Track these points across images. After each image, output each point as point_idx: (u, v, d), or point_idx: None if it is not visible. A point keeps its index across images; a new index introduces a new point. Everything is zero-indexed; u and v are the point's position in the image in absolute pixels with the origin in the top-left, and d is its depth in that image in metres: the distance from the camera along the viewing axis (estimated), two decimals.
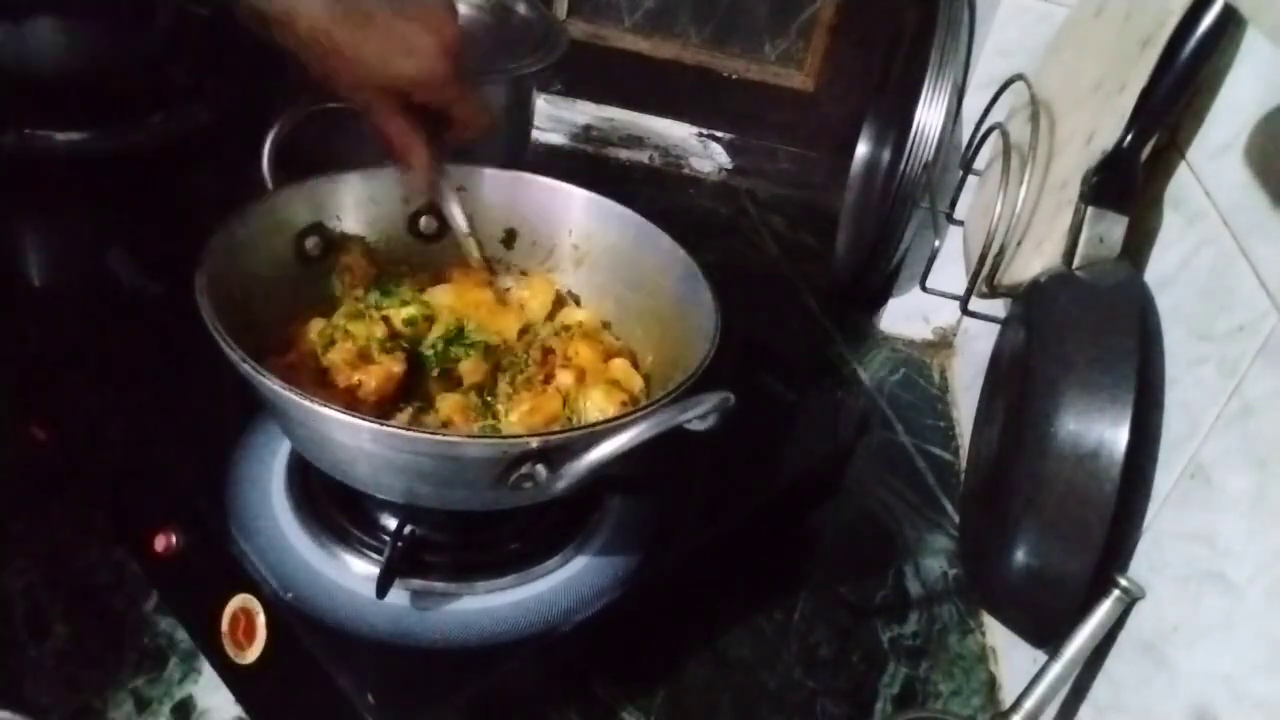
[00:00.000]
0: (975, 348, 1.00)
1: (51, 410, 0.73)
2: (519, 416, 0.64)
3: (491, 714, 0.62)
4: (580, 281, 0.77)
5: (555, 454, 0.55)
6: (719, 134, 1.34)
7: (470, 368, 0.66)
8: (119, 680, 0.63)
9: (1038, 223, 0.69)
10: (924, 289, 0.84)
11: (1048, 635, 0.61)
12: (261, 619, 0.59)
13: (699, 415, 0.54)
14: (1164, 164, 0.67)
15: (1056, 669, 0.58)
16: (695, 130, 1.34)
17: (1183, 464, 0.56)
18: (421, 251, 0.75)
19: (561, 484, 0.55)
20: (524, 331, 0.71)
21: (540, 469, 0.54)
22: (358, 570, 0.62)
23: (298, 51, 0.63)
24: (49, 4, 0.80)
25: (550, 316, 0.73)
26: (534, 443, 0.55)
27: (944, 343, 1.09)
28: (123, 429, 0.69)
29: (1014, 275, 0.70)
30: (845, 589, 0.80)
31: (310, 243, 0.72)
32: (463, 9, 1.00)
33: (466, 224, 0.74)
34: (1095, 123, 0.66)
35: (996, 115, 0.81)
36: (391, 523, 0.63)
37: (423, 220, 0.75)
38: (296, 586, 0.60)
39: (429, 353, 0.67)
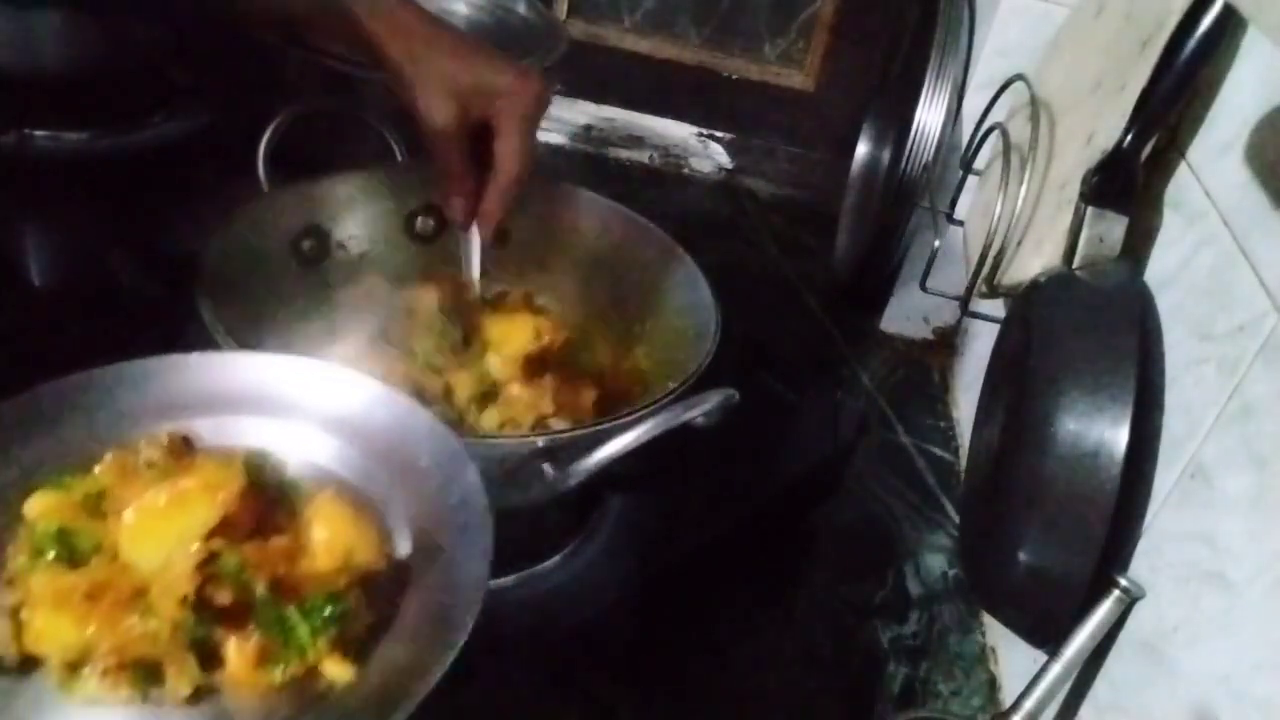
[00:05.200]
0: (975, 348, 1.00)
1: None
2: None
3: (491, 714, 0.62)
4: (578, 281, 0.77)
5: (562, 452, 0.55)
6: (719, 134, 1.34)
7: None
8: None
9: (1038, 223, 0.69)
10: (924, 289, 0.84)
11: (1048, 635, 0.61)
12: None
13: (704, 413, 0.55)
14: (1164, 164, 0.67)
15: (1056, 669, 0.58)
16: (695, 130, 1.34)
17: (1183, 464, 0.56)
18: (418, 252, 0.75)
19: (570, 482, 0.56)
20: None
21: (547, 468, 0.55)
22: None
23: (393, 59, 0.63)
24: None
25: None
26: (541, 441, 0.55)
27: (944, 343, 1.08)
28: None
29: (1014, 275, 0.70)
30: (845, 589, 0.80)
31: (307, 244, 0.72)
32: (462, 9, 1.00)
33: (478, 271, 0.70)
34: (1095, 123, 0.66)
35: (996, 115, 0.81)
36: None
37: (419, 221, 0.75)
38: None
39: None
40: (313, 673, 0.42)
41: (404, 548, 0.46)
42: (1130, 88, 0.63)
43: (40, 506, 0.43)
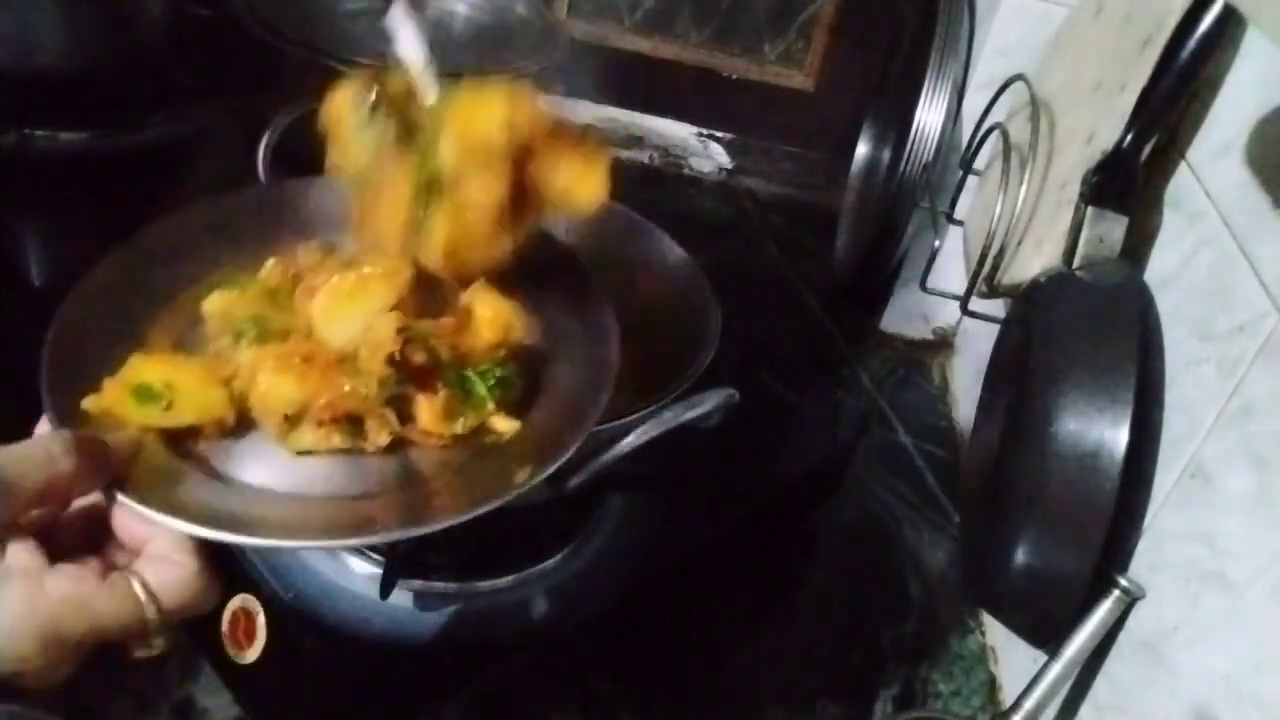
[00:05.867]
0: (975, 348, 1.00)
1: None
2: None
3: (491, 714, 0.62)
4: None
5: None
6: (719, 134, 1.34)
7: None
8: (119, 680, 0.63)
9: (1038, 223, 0.69)
10: (924, 289, 0.84)
11: (1048, 635, 0.61)
12: (261, 619, 0.59)
13: (704, 413, 0.55)
14: (1164, 164, 0.67)
15: (1056, 669, 0.58)
16: (695, 130, 1.34)
17: (1183, 464, 0.56)
18: None
19: (570, 483, 0.56)
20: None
21: None
22: (358, 570, 0.62)
23: None
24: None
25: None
26: None
27: (944, 343, 1.08)
28: None
29: (1014, 275, 0.70)
30: (845, 588, 0.80)
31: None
32: (462, 9, 1.00)
33: (419, 53, 0.53)
34: (1095, 123, 0.66)
35: (996, 115, 0.81)
36: None
37: None
38: (297, 586, 0.60)
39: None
40: (483, 428, 0.48)
41: (540, 336, 0.52)
42: (1130, 88, 0.63)
43: (221, 303, 0.49)
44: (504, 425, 0.49)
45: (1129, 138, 0.63)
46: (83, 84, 0.86)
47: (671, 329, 0.71)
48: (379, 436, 0.46)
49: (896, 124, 1.02)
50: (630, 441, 0.55)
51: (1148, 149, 0.64)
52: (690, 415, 0.55)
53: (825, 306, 1.11)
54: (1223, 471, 0.53)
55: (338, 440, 0.46)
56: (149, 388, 0.45)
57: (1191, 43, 0.60)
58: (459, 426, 0.47)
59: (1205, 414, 0.55)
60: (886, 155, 1.09)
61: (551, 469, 0.46)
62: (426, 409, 0.47)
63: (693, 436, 0.56)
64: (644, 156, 1.31)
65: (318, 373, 0.46)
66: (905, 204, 0.92)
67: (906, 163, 0.90)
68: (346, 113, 0.53)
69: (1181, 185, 0.65)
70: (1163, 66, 0.61)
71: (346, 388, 0.46)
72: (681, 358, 0.66)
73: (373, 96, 0.52)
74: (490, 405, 0.48)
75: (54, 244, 0.86)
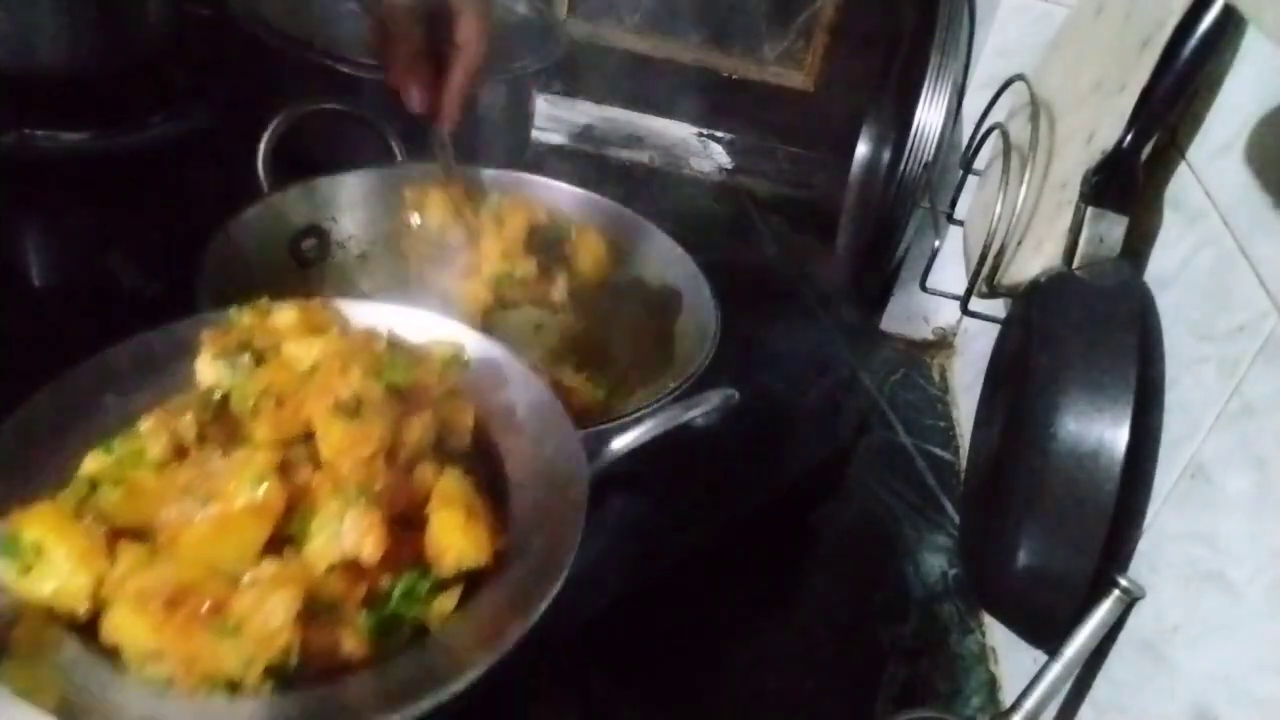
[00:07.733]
0: (975, 348, 1.00)
1: None
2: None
3: (491, 714, 0.62)
4: (578, 281, 0.77)
5: None
6: (719, 134, 1.34)
7: None
8: None
9: (1038, 223, 0.69)
10: (924, 289, 0.84)
11: (1048, 635, 0.61)
12: None
13: (704, 413, 0.55)
14: (1164, 164, 0.67)
15: (1056, 669, 0.58)
16: (695, 130, 1.34)
17: (1183, 464, 0.56)
18: None
19: None
20: None
21: None
22: None
23: None
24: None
25: None
26: None
27: (944, 343, 1.08)
28: None
29: (1014, 275, 0.70)
30: (845, 589, 0.80)
31: (307, 244, 0.72)
32: None
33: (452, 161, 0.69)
34: (1095, 123, 0.66)
35: (996, 115, 0.81)
36: None
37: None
38: None
39: None
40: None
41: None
42: (1130, 88, 0.63)
43: (93, 468, 0.43)
44: (438, 612, 0.44)
45: (1129, 138, 0.63)
46: (83, 84, 0.86)
47: (671, 329, 0.72)
48: (260, 692, 0.38)
49: (896, 124, 1.02)
50: (630, 441, 0.55)
51: (1148, 149, 0.64)
52: (690, 415, 0.55)
53: (825, 306, 1.11)
54: (1223, 471, 0.53)
55: (204, 691, 0.38)
56: (15, 541, 0.39)
57: (1191, 43, 0.60)
58: (394, 645, 0.42)
59: (1205, 414, 0.55)
60: (886, 155, 1.09)
61: (488, 665, 0.42)
62: (353, 642, 0.41)
63: (693, 436, 0.56)
64: (644, 156, 1.31)
65: (181, 622, 0.38)
66: (905, 204, 0.92)
67: (906, 163, 0.90)
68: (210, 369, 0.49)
69: (1181, 185, 0.65)
70: (1163, 66, 0.61)
71: (213, 652, 0.38)
72: (681, 358, 0.66)
73: (233, 343, 0.50)
74: (430, 611, 0.43)
75: (54, 244, 0.86)
